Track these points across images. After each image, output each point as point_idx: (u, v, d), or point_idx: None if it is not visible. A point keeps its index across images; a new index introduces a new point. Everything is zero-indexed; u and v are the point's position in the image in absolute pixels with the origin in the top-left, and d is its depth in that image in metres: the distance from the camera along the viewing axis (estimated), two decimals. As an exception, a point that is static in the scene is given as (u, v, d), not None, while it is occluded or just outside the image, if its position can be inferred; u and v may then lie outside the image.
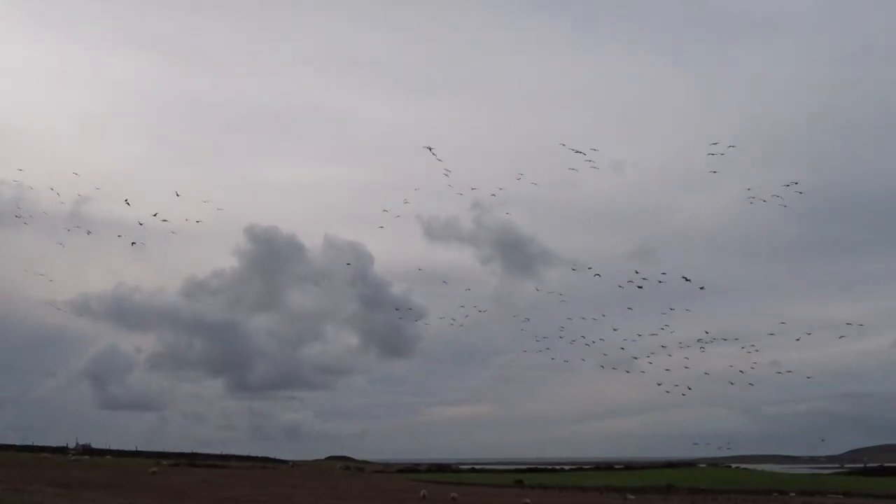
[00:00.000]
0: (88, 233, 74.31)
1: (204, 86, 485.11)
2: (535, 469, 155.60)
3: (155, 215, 64.28)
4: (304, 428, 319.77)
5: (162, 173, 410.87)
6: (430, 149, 57.58)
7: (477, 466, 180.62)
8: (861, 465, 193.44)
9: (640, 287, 65.88)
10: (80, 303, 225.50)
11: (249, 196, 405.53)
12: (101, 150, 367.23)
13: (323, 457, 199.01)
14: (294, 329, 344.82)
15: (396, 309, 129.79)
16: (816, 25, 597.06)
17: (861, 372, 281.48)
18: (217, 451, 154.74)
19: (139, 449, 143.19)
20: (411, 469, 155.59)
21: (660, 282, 66.61)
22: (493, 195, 74.91)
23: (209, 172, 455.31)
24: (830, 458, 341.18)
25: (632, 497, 77.55)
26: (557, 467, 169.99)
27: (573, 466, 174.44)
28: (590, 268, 77.60)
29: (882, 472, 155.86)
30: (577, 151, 56.07)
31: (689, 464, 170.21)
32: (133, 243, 71.90)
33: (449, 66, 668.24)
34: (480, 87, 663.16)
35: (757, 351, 76.70)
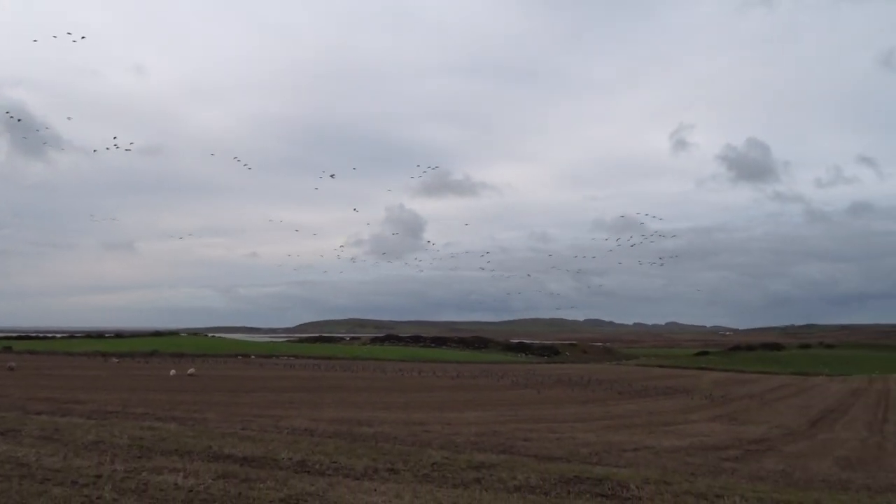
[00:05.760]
0: None
1: None
2: (27, 337, 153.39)
3: None
4: None
5: None
6: None
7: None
8: (309, 336, 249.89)
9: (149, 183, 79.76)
10: None
11: None
12: None
13: None
14: None
15: None
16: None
17: (314, 265, 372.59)
18: None
19: None
20: None
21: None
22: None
23: None
24: (287, 330, 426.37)
25: (116, 360, 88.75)
26: (50, 336, 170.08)
27: (65, 335, 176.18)
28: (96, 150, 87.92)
29: (321, 339, 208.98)
30: None
31: (173, 333, 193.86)
32: None
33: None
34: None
35: (241, 243, 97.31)
